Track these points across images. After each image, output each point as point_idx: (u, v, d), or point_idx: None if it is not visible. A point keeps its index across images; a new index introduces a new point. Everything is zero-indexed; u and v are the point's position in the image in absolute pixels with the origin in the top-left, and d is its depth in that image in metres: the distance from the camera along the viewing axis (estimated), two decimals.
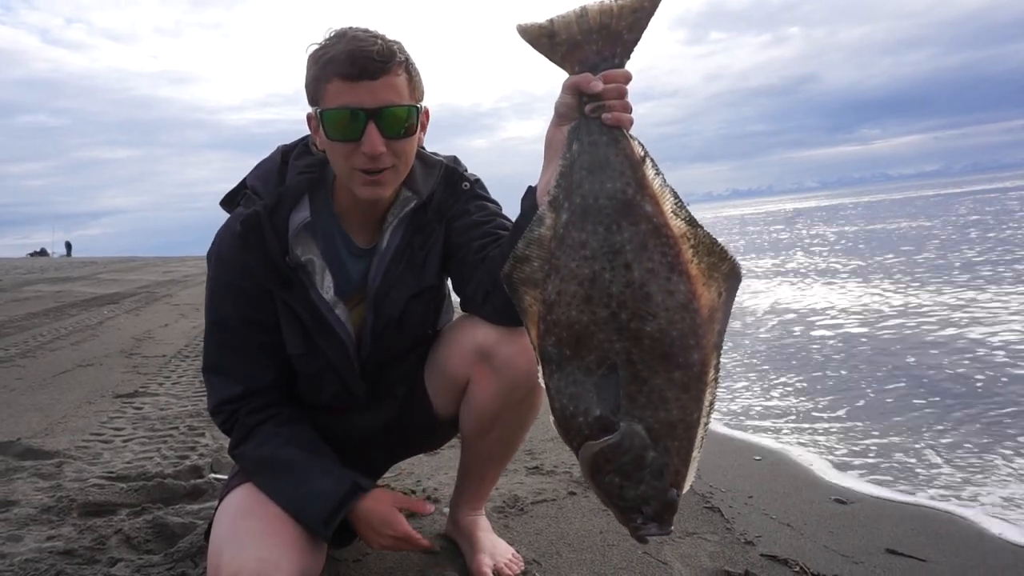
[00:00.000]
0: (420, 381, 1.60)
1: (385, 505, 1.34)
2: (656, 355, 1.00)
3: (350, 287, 1.44)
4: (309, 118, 1.34)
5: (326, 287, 1.39)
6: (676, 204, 1.05)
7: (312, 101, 1.29)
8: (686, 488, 1.04)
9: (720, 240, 1.05)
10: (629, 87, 1.09)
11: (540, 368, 1.06)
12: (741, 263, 1.04)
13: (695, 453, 1.03)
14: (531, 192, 1.25)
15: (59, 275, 15.09)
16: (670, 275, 1.02)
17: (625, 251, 1.02)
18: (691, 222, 1.04)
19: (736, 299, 1.06)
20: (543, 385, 1.06)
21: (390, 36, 1.27)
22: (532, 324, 1.07)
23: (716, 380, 1.04)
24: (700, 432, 1.03)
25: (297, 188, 1.37)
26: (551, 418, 1.07)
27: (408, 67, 1.28)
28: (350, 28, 1.28)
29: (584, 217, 1.05)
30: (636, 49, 1.11)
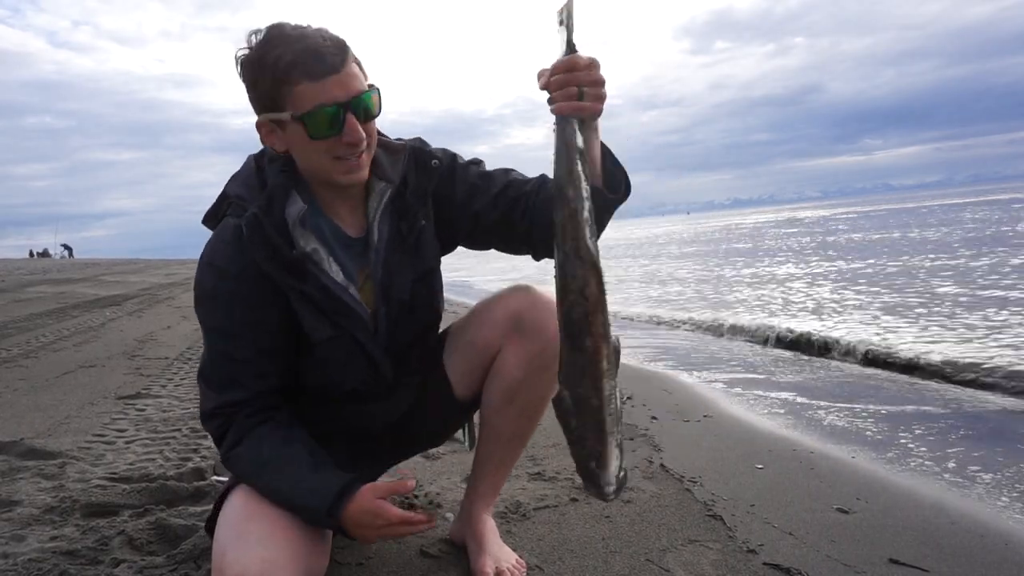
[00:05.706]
0: (439, 365, 1.63)
1: (366, 499, 1.28)
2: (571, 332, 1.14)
3: (352, 274, 1.46)
4: (261, 125, 1.34)
5: (335, 271, 1.42)
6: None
7: (271, 108, 1.29)
8: (611, 469, 1.15)
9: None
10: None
11: None
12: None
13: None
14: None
15: (61, 276, 15.12)
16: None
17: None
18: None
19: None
20: None
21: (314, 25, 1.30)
22: None
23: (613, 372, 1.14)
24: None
25: (283, 185, 1.38)
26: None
27: (352, 53, 1.31)
28: (275, 27, 1.28)
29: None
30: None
